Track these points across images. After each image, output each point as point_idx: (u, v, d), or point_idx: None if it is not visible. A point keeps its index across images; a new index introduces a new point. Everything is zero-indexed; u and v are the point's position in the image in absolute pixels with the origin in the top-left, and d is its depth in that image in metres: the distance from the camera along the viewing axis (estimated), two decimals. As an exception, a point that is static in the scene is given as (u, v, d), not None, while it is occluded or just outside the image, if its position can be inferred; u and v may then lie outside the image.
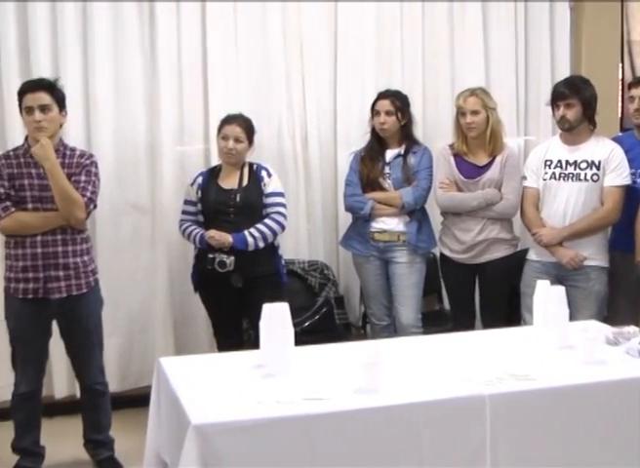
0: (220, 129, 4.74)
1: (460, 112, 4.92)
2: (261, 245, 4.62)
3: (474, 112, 4.87)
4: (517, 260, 5.04)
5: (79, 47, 5.13)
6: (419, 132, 5.31)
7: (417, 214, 5.03)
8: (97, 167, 4.35)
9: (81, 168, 4.26)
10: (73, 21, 5.09)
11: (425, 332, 4.97)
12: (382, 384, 2.98)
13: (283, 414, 2.79)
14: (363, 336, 5.44)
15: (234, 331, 4.88)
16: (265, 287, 4.58)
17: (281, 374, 3.17)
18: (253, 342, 4.45)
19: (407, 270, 5.04)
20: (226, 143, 4.68)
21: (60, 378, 5.25)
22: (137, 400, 4.87)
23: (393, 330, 5.16)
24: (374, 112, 5.06)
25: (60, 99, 4.24)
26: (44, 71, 4.86)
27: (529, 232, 4.97)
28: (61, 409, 5.12)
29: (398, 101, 5.03)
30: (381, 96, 5.07)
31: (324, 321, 5.20)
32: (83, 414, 4.61)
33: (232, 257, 4.57)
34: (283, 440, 2.77)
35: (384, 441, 2.88)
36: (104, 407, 4.56)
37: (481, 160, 4.96)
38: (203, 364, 3.47)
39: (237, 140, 4.67)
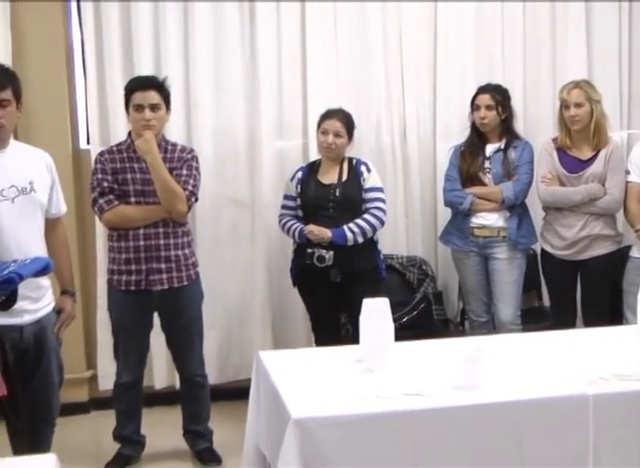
0: (319, 123, 4.75)
1: (564, 105, 4.83)
2: (360, 240, 4.62)
3: (578, 105, 4.77)
4: (620, 257, 4.92)
5: (180, 45, 5.21)
6: (519, 126, 5.24)
7: (517, 209, 4.97)
8: (197, 161, 4.42)
9: (182, 162, 4.33)
10: (175, 21, 5.18)
11: (524, 330, 4.90)
12: (483, 381, 2.94)
13: (383, 410, 2.78)
14: (461, 333, 5.40)
15: (332, 325, 4.89)
16: (364, 282, 4.57)
17: (381, 369, 3.16)
18: (351, 337, 4.48)
19: (507, 266, 4.98)
20: (326, 138, 4.68)
21: (160, 369, 5.33)
22: (235, 392, 4.93)
23: (492, 326, 5.10)
24: (474, 106, 5.00)
25: (167, 98, 4.32)
26: (146, 70, 4.97)
27: (632, 228, 4.85)
28: (161, 399, 5.22)
29: (498, 95, 4.97)
30: (482, 90, 5.02)
31: (422, 316, 5.16)
32: (183, 406, 4.68)
33: (331, 252, 4.57)
34: (383, 435, 2.75)
35: (485, 438, 2.84)
36: (204, 398, 4.62)
37: (585, 154, 4.87)
38: (302, 358, 3.49)
39: (337, 135, 4.67)
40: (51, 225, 3.85)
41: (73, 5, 5.25)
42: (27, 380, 3.59)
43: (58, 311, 3.84)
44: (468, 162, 5.01)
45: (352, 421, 2.74)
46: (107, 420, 4.69)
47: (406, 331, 4.65)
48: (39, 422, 3.74)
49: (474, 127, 5.04)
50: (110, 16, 5.12)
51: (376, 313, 3.19)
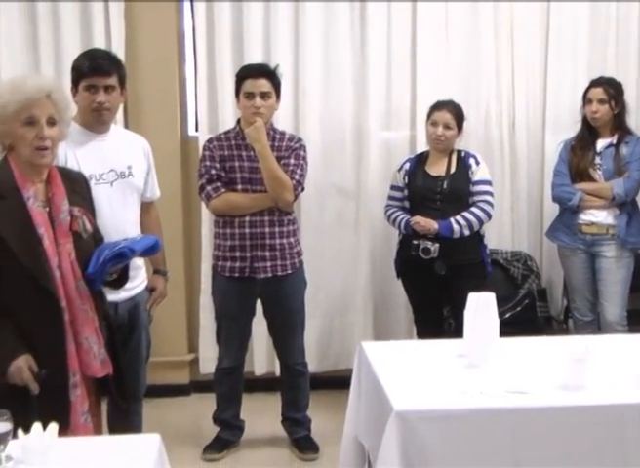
0: (429, 115, 4.71)
1: (677, 100, 4.71)
2: (467, 233, 4.57)
3: (690, 100, 4.65)
4: None
5: (290, 36, 5.26)
6: (632, 121, 5.10)
7: (627, 206, 4.86)
8: (305, 151, 4.43)
9: (290, 151, 4.34)
10: (286, 11, 5.22)
11: (631, 331, 4.77)
12: (589, 382, 2.88)
13: (487, 406, 2.75)
14: (564, 331, 5.30)
15: (435, 318, 4.84)
16: (469, 275, 4.53)
17: (484, 365, 3.12)
18: (452, 331, 4.44)
19: (614, 265, 4.87)
20: (436, 130, 4.64)
21: (261, 356, 5.39)
22: (335, 381, 4.97)
23: (597, 326, 5.01)
24: (585, 100, 4.90)
25: (277, 87, 4.33)
26: (256, 60, 4.97)
27: None
28: (261, 385, 5.26)
29: (611, 89, 4.86)
30: (594, 83, 4.91)
31: (525, 313, 5.09)
32: (282, 393, 4.71)
33: (437, 244, 4.53)
34: (484, 432, 2.73)
35: (589, 440, 2.78)
36: (303, 386, 4.64)
37: (697, 150, 4.74)
38: (405, 350, 3.47)
39: (446, 127, 4.63)
40: (145, 208, 3.96)
41: (186, -4, 5.37)
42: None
43: (150, 289, 3.97)
44: (578, 157, 4.92)
45: (455, 416, 2.72)
46: (207, 403, 4.76)
47: (508, 327, 4.53)
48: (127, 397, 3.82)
49: (585, 121, 4.94)
50: (222, 7, 5.19)
51: (481, 308, 3.16)
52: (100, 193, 3.45)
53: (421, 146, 5.05)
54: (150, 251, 3.27)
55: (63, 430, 2.43)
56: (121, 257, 3.03)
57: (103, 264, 2.98)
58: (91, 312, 2.99)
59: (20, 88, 2.87)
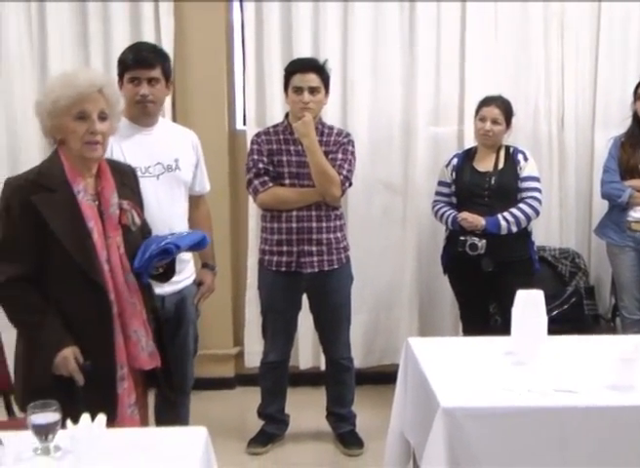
0: (477, 110, 4.68)
1: None
2: (514, 229, 4.54)
3: None
4: None
5: (339, 30, 5.24)
6: (684, 118, 5.04)
7: (678, 204, 4.80)
8: (353, 145, 4.41)
9: (338, 146, 4.34)
10: (335, 10, 5.21)
11: (680, 330, 4.74)
12: (638, 382, 2.84)
13: (534, 404, 2.73)
14: (612, 330, 5.24)
15: (481, 315, 4.83)
16: (517, 272, 4.50)
17: (532, 363, 3.10)
18: (499, 328, 4.41)
19: (664, 263, 4.82)
20: (484, 125, 4.61)
21: (306, 350, 5.40)
22: (380, 377, 4.96)
23: (645, 325, 4.96)
24: (636, 96, 4.84)
25: (326, 82, 4.32)
26: (305, 54, 4.98)
27: None
28: (305, 379, 5.28)
29: (664, 85, 4.81)
30: (645, 79, 4.87)
31: (573, 310, 5.05)
32: (327, 388, 4.71)
33: (484, 241, 4.51)
34: (532, 430, 2.70)
35: (637, 440, 2.74)
36: (349, 381, 4.63)
37: None
38: (452, 346, 3.45)
39: (495, 122, 4.60)
40: (194, 202, 3.98)
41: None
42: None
43: (198, 284, 3.99)
44: (628, 153, 4.86)
45: (502, 414, 2.70)
46: (252, 397, 4.77)
47: (555, 324, 4.48)
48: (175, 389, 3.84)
49: (636, 117, 4.88)
50: (271, 7, 5.20)
51: (529, 305, 3.14)
52: (146, 186, 3.44)
53: (469, 142, 5.03)
54: (197, 246, 3.28)
55: (110, 422, 2.45)
56: (166, 254, 3.05)
57: (149, 259, 3.00)
58: (139, 305, 3.01)
59: (72, 82, 2.89)
